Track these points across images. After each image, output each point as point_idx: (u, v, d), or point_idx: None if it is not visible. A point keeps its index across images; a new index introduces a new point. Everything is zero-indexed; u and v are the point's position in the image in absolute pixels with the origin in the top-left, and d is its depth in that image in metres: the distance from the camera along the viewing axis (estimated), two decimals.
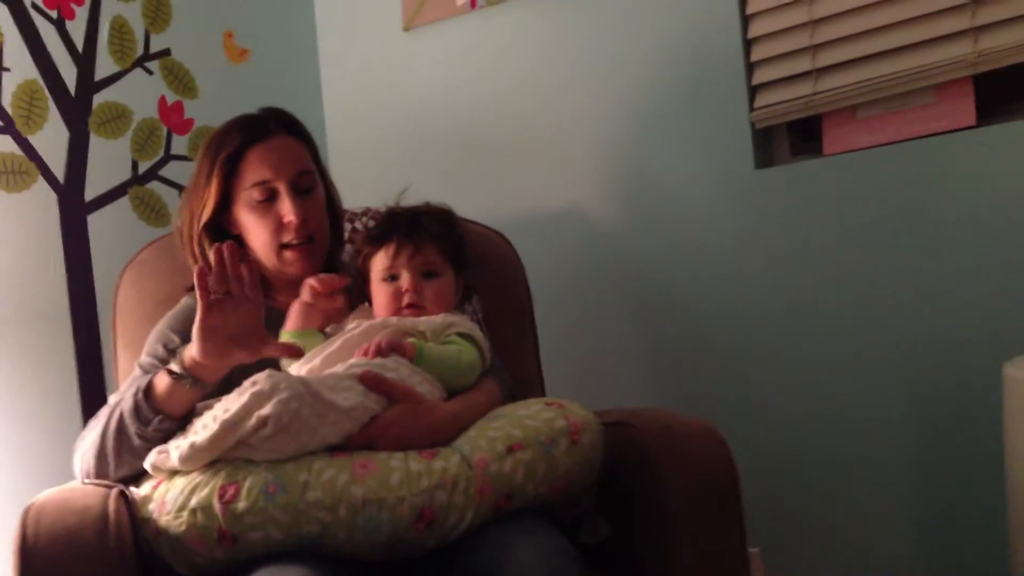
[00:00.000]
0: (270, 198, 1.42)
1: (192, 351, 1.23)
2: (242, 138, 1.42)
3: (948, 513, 1.69)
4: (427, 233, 1.41)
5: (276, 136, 1.44)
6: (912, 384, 1.72)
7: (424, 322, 1.35)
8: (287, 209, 1.42)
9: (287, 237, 1.43)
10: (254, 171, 1.41)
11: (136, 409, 1.25)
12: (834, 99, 1.79)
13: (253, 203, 1.43)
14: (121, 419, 1.27)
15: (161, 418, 1.24)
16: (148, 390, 1.26)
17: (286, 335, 1.36)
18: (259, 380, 1.16)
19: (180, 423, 1.25)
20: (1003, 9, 1.63)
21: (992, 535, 1.56)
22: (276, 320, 1.44)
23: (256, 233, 1.44)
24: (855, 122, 1.82)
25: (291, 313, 1.38)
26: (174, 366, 1.24)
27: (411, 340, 1.31)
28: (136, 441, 1.25)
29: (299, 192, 1.44)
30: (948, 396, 1.68)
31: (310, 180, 1.46)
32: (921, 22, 1.71)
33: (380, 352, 1.27)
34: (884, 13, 1.74)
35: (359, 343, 1.31)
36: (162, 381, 1.25)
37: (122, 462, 1.27)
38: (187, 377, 1.24)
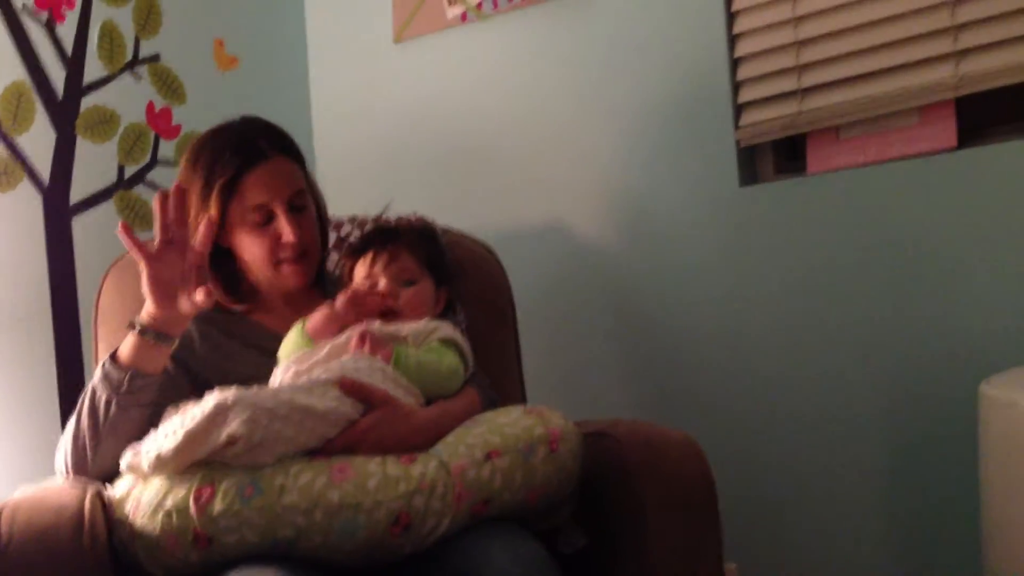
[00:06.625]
0: (268, 219, 1.43)
1: (147, 305, 1.26)
2: (237, 162, 1.41)
3: (924, 531, 1.70)
4: (403, 242, 1.45)
5: (271, 159, 1.43)
6: (890, 401, 1.73)
7: (408, 328, 1.36)
8: (286, 231, 1.42)
9: (284, 254, 1.44)
10: (252, 195, 1.41)
11: (105, 376, 1.28)
12: (818, 119, 1.81)
13: (251, 224, 1.43)
14: (93, 393, 1.28)
15: (131, 374, 1.26)
16: (114, 355, 1.29)
17: (299, 328, 1.37)
18: (226, 391, 1.15)
19: (154, 381, 1.28)
20: (984, 35, 1.66)
21: (967, 552, 1.57)
22: (261, 335, 1.45)
23: (252, 251, 1.45)
24: (839, 142, 1.84)
25: (316, 313, 1.38)
26: (135, 321, 1.27)
27: (392, 346, 1.31)
28: (112, 409, 1.26)
29: (294, 211, 1.45)
30: (925, 414, 1.69)
31: (304, 199, 1.47)
32: (904, 45, 1.74)
33: (363, 342, 1.29)
34: (869, 35, 1.76)
35: (344, 350, 1.32)
36: (127, 341, 1.28)
37: (99, 442, 1.27)
38: (149, 331, 1.27)
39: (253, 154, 1.42)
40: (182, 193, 1.27)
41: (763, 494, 1.85)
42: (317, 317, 1.36)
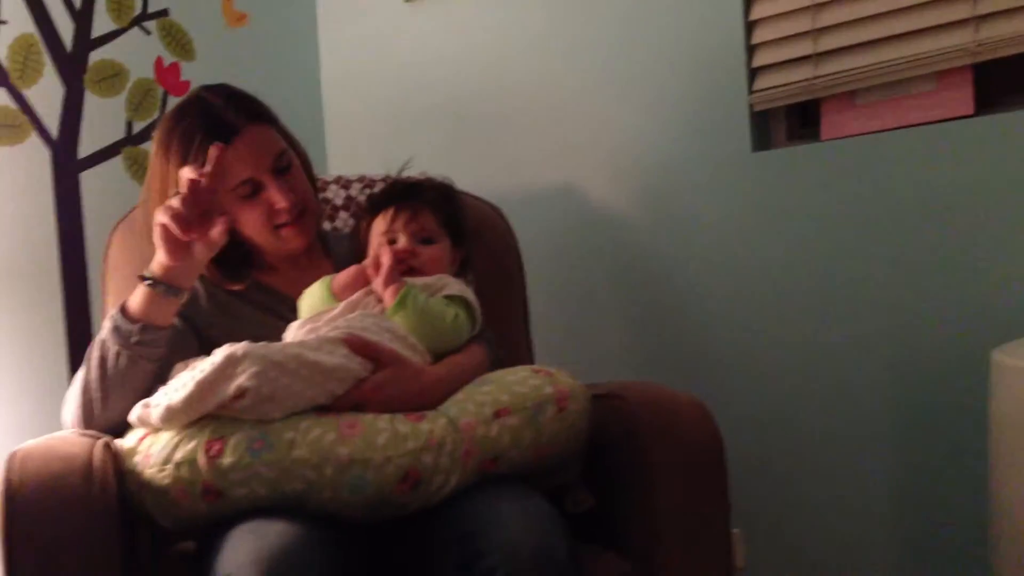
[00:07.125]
0: (257, 189, 1.39)
1: (158, 257, 1.27)
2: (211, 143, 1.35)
3: (932, 498, 1.70)
4: (425, 200, 1.43)
5: (244, 131, 1.37)
6: (901, 367, 1.72)
7: (419, 281, 1.35)
8: (277, 197, 1.39)
9: (281, 219, 1.41)
10: (235, 173, 1.37)
11: (115, 328, 1.28)
12: (834, 84, 1.79)
13: (241, 198, 1.39)
14: (102, 345, 1.28)
15: (142, 326, 1.27)
16: (123, 307, 1.29)
17: (325, 284, 1.37)
18: (236, 345, 1.15)
19: (163, 334, 1.28)
20: (1004, 0, 1.63)
21: (975, 518, 1.57)
22: (268, 296, 1.45)
23: (247, 222, 1.41)
24: (854, 107, 1.82)
25: (345, 272, 1.37)
26: (146, 272, 1.28)
27: (405, 281, 1.32)
28: (122, 361, 1.26)
29: (280, 173, 1.41)
30: (936, 380, 1.69)
31: (287, 158, 1.43)
32: (923, 9, 1.71)
33: (377, 270, 1.31)
34: None
35: (358, 306, 1.32)
36: (137, 293, 1.29)
37: (107, 395, 1.27)
38: (160, 283, 1.27)
39: (224, 131, 1.35)
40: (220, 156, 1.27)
41: (769, 461, 1.85)
42: (344, 275, 1.36)
